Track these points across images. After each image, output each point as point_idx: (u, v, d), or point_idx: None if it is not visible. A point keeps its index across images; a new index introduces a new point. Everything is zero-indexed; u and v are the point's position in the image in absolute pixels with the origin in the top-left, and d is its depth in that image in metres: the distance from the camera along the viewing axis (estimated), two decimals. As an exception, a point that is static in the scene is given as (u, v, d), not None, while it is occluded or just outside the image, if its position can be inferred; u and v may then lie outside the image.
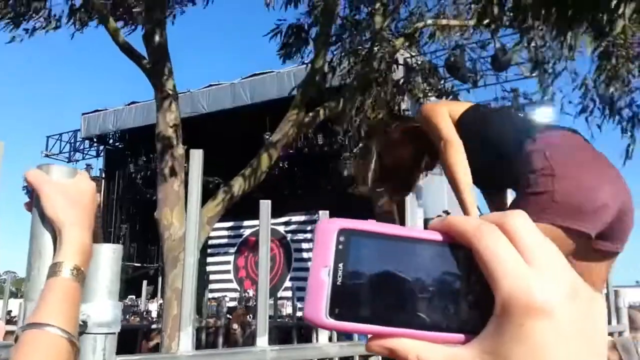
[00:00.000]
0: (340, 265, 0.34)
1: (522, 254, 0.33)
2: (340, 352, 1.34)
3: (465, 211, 1.82)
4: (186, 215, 1.08)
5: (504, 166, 1.88)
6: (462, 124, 2.00)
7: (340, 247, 0.34)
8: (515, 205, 1.78)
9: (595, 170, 1.77)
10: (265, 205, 1.33)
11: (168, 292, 3.01)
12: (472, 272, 0.34)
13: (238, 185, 3.53)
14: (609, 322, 2.49)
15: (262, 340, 1.14)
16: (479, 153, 1.93)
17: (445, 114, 2.01)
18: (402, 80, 7.66)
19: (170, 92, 3.78)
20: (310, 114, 4.07)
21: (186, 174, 3.93)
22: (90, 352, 0.88)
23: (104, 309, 0.88)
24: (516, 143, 1.85)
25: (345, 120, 5.67)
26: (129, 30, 6.14)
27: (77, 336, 0.76)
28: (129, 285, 16.68)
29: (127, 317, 12.24)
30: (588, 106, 5.60)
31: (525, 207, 1.68)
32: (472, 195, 1.83)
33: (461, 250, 0.35)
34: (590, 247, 1.79)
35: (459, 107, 2.07)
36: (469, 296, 0.34)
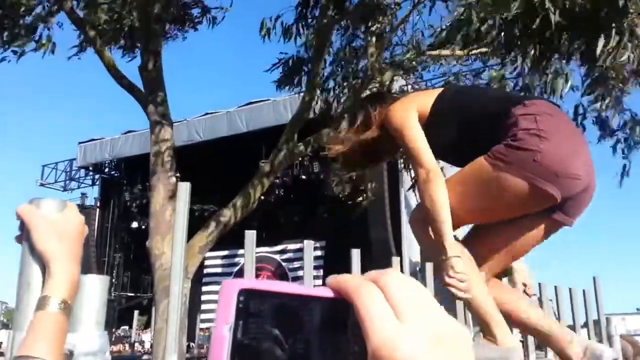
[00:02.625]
0: (240, 322, 0.37)
1: (393, 308, 0.37)
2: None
3: (441, 246, 1.84)
4: (172, 246, 1.08)
5: (486, 127, 1.93)
6: (436, 108, 2.04)
7: (240, 305, 0.37)
8: (496, 152, 1.82)
9: (575, 143, 1.89)
10: (250, 235, 1.34)
11: (159, 322, 2.98)
12: (356, 327, 0.38)
13: (229, 214, 3.53)
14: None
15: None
16: (458, 125, 1.99)
17: (416, 123, 2.03)
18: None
19: (164, 121, 3.80)
20: (301, 144, 4.09)
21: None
22: (76, 382, 0.87)
23: (90, 338, 0.89)
24: (503, 106, 1.93)
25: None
26: (129, 57, 6.19)
27: None
28: (122, 315, 16.52)
29: (120, 347, 12.08)
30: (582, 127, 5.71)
31: (506, 156, 1.74)
32: (451, 231, 1.87)
33: (348, 306, 0.38)
34: (548, 215, 1.90)
35: (429, 98, 2.09)
36: (354, 347, 0.38)
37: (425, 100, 2.08)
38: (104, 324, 0.93)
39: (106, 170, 18.44)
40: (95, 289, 0.91)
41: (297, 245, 14.66)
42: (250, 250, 1.29)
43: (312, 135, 4.68)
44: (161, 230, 3.32)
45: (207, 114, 15.37)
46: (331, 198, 12.23)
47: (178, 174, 3.99)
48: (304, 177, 13.55)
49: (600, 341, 2.46)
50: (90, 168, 18.07)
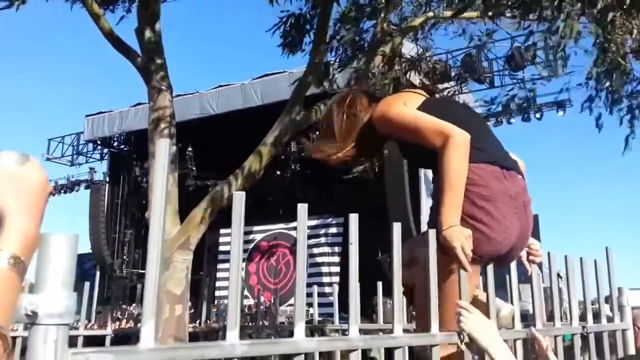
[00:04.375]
0: None
1: None
2: (318, 347, 1.34)
3: (447, 215, 1.88)
4: (151, 209, 1.09)
5: None
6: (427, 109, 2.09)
7: None
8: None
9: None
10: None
11: (159, 294, 3.02)
12: None
13: (232, 185, 3.53)
14: (612, 320, 2.52)
15: (231, 335, 1.14)
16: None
17: (413, 108, 2.10)
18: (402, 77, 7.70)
19: (163, 87, 3.79)
20: (303, 113, 4.06)
21: (182, 173, 3.95)
22: (40, 343, 0.88)
23: (55, 299, 0.88)
24: None
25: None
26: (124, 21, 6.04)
27: (9, 329, 0.76)
28: (133, 292, 16.79)
29: (131, 324, 12.36)
30: (592, 97, 5.77)
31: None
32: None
33: None
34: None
35: (416, 100, 2.16)
36: None
37: (411, 100, 2.14)
38: (73, 285, 0.93)
39: (115, 144, 18.58)
40: (62, 248, 0.91)
41: (314, 222, 14.72)
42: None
43: (319, 103, 4.66)
44: (161, 201, 3.35)
45: (220, 86, 15.37)
46: (347, 172, 12.24)
47: (180, 144, 4.00)
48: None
49: (612, 313, 2.47)
50: (99, 142, 18.21)
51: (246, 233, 15.99)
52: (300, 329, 1.28)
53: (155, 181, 1.13)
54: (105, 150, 18.67)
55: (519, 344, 2.01)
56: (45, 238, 0.90)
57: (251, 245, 16.50)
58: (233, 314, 1.16)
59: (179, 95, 13.88)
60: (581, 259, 2.38)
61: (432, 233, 1.74)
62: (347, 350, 1.38)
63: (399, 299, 1.55)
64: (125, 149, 18.54)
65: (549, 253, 2.21)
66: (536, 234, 2.39)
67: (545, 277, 2.58)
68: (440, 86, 10.82)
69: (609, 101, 5.70)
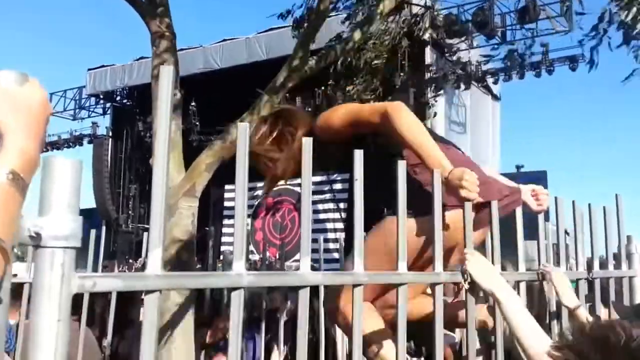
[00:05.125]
0: None
1: None
2: (324, 280, 1.36)
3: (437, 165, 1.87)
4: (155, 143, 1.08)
5: None
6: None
7: None
8: None
9: None
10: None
11: (165, 241, 3.04)
12: None
13: (235, 132, 3.50)
14: (620, 267, 2.54)
15: (238, 265, 1.16)
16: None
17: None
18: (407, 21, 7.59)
19: (167, 31, 3.74)
20: (312, 58, 4.01)
21: (185, 128, 3.92)
22: (47, 267, 0.89)
23: (60, 222, 0.89)
24: None
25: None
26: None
27: (10, 243, 0.76)
28: (139, 247, 16.96)
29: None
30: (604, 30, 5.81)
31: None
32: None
33: None
34: None
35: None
36: None
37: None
38: (78, 209, 0.93)
39: (118, 98, 18.51)
40: (66, 171, 0.91)
41: (318, 178, 14.72)
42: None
43: (325, 48, 4.59)
44: (165, 147, 3.33)
45: (224, 40, 15.20)
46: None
47: (182, 91, 3.95)
48: (326, 107, 13.48)
49: (620, 260, 2.49)
50: (101, 96, 18.14)
51: (251, 189, 15.85)
52: (306, 262, 1.29)
53: (160, 108, 1.12)
54: (108, 105, 18.62)
55: (523, 286, 2.03)
56: (50, 162, 0.91)
57: (256, 202, 16.57)
58: (239, 244, 1.18)
59: (182, 50, 13.74)
60: (589, 205, 2.39)
61: (437, 175, 1.73)
62: (352, 284, 1.40)
63: (403, 237, 1.56)
64: (128, 103, 18.47)
65: (556, 198, 2.21)
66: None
67: (553, 234, 2.57)
68: (449, 41, 10.68)
69: (623, 37, 5.73)
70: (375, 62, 7.27)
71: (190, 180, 3.22)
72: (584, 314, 2.01)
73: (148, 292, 1.03)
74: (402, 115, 1.96)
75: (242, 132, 1.22)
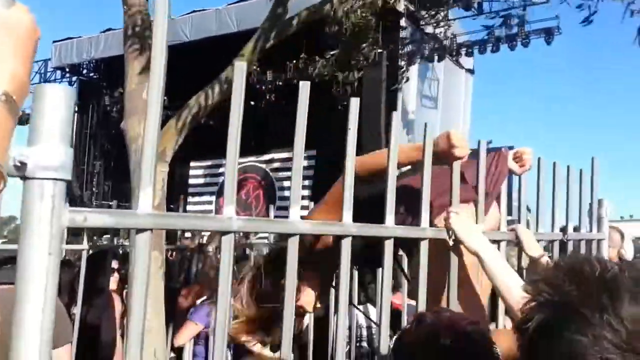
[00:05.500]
0: None
1: None
2: (313, 229, 1.35)
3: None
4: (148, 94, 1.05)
5: None
6: None
7: None
8: None
9: None
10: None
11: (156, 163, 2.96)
12: None
13: (205, 97, 3.40)
14: (590, 230, 2.60)
15: (229, 209, 1.14)
16: None
17: None
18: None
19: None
20: (288, 21, 3.91)
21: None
22: (37, 199, 0.86)
23: (50, 152, 0.86)
24: None
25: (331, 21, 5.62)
26: None
27: (4, 165, 0.75)
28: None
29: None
30: None
31: None
32: None
33: None
34: None
35: None
36: None
37: None
38: (70, 140, 0.90)
39: (84, 72, 18.11)
40: (59, 99, 0.88)
41: (286, 155, 14.62)
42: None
43: (302, 11, 4.50)
44: (138, 110, 3.24)
45: (194, 11, 14.94)
46: (325, 105, 12.12)
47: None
48: (296, 81, 13.34)
49: (591, 223, 2.54)
50: (67, 69, 17.73)
51: (215, 167, 15.89)
52: (295, 211, 1.29)
53: (154, 61, 1.09)
54: (74, 78, 18.21)
55: (503, 245, 2.05)
56: (41, 89, 0.88)
57: (221, 179, 16.43)
58: (230, 189, 1.16)
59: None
60: (568, 167, 2.42)
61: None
62: (339, 235, 1.40)
63: (392, 189, 1.57)
64: (95, 76, 18.08)
65: (539, 158, 2.24)
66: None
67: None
68: (425, 13, 10.63)
69: None
70: (362, 20, 7.16)
71: (160, 145, 3.15)
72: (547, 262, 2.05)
73: (139, 230, 1.01)
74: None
75: (238, 71, 1.19)
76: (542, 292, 0.96)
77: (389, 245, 1.53)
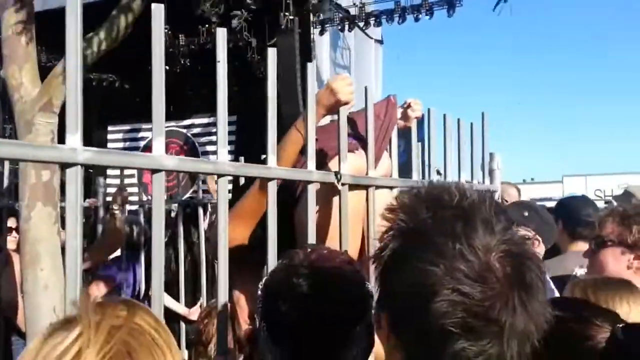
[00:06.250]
0: None
1: None
2: (179, 165, 1.20)
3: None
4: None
5: None
6: None
7: None
8: None
9: None
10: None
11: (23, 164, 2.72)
12: None
13: (90, 43, 3.13)
14: (483, 182, 2.61)
15: (73, 140, 0.98)
16: None
17: None
18: None
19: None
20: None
21: (38, 31, 3.51)
22: None
23: None
24: None
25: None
26: None
27: None
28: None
29: None
30: None
31: None
32: None
33: None
34: None
35: None
36: None
37: None
38: None
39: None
40: None
41: (206, 120, 14.23)
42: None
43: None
44: (17, 57, 2.94)
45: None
46: (242, 70, 11.81)
47: None
48: (210, 46, 12.92)
49: (483, 175, 2.54)
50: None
51: (134, 130, 15.28)
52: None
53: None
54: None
55: (395, 192, 1.98)
56: None
57: (142, 143, 15.86)
58: (73, 117, 0.99)
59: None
60: (458, 120, 2.38)
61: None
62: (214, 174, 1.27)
63: (274, 132, 1.44)
64: None
65: (429, 109, 2.17)
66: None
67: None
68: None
69: None
70: None
71: (46, 94, 2.87)
72: None
73: None
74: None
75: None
76: (398, 220, 0.88)
77: (272, 187, 1.41)
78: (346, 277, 1.18)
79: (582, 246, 2.48)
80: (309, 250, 1.22)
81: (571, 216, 2.89)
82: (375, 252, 0.92)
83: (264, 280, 1.21)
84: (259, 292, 1.19)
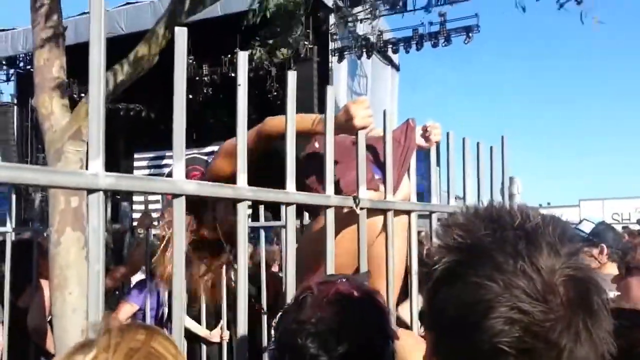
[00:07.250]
0: None
1: None
2: (200, 190, 1.18)
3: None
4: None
5: None
6: None
7: None
8: None
9: None
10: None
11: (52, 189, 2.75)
12: None
13: (114, 75, 3.17)
14: None
15: (95, 165, 0.97)
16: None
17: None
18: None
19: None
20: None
21: (69, 64, 3.54)
22: None
23: None
24: None
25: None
26: None
27: None
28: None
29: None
30: None
31: None
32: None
33: None
34: None
35: None
36: None
37: None
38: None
39: (21, 64, 17.18)
40: None
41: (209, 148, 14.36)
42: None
43: None
44: (48, 86, 2.99)
45: (128, 3, 14.37)
46: (261, 99, 11.92)
47: (67, 25, 3.51)
48: (233, 74, 13.08)
49: (503, 200, 2.49)
50: (4, 62, 16.76)
51: (159, 158, 15.43)
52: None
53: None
54: (12, 71, 17.24)
55: (414, 216, 1.95)
56: None
57: (166, 170, 16.00)
58: (95, 142, 0.98)
59: (84, 14, 12.96)
60: (478, 143, 2.34)
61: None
62: (233, 198, 1.25)
63: (292, 155, 1.42)
64: (32, 69, 17.14)
65: (448, 133, 2.14)
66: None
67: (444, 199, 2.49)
68: (354, 10, 10.56)
69: None
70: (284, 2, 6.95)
71: (75, 123, 2.91)
72: None
73: None
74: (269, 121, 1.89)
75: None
76: (454, 236, 0.81)
77: (290, 212, 1.39)
78: (368, 313, 1.09)
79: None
80: (324, 283, 1.13)
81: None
82: (425, 267, 0.84)
83: (278, 317, 1.13)
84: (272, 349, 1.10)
